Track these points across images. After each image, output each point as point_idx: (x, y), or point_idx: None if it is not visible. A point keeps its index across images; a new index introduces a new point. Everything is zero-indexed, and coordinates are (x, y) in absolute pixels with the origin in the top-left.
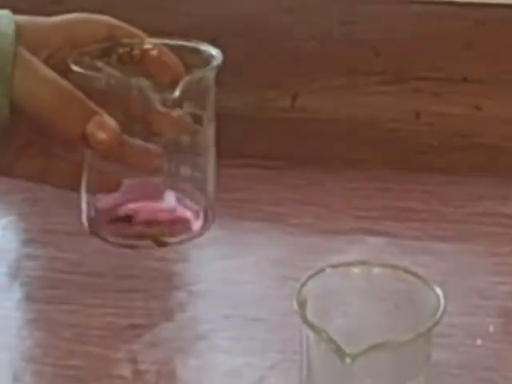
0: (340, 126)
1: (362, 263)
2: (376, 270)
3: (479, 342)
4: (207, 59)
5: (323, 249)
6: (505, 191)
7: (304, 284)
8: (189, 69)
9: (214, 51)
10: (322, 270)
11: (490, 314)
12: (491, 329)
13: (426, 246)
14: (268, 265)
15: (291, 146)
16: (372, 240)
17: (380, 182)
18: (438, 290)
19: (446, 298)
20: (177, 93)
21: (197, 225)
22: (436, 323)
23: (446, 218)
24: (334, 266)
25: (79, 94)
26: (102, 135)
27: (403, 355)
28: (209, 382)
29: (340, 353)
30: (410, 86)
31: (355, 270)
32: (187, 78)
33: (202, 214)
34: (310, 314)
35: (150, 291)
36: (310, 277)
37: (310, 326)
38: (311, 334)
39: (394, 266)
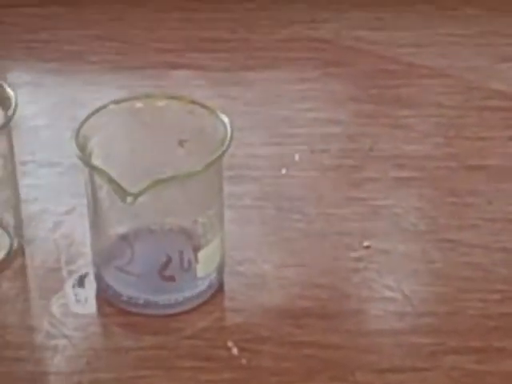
0: None
1: (147, 96)
2: (161, 103)
3: (284, 171)
4: None
5: (119, 85)
6: (313, 14)
7: (83, 124)
8: None
9: None
10: (104, 107)
11: (296, 143)
12: (296, 157)
13: (233, 76)
14: (63, 106)
15: None
16: (176, 73)
17: (182, 12)
18: (225, 118)
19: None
20: None
21: None
22: (223, 153)
23: (254, 46)
24: (116, 102)
25: None
26: None
27: (191, 190)
28: None
29: (121, 192)
30: None
31: (139, 104)
32: None
33: None
34: (95, 155)
35: None
36: (92, 115)
37: (91, 167)
38: (95, 176)
39: (179, 98)
